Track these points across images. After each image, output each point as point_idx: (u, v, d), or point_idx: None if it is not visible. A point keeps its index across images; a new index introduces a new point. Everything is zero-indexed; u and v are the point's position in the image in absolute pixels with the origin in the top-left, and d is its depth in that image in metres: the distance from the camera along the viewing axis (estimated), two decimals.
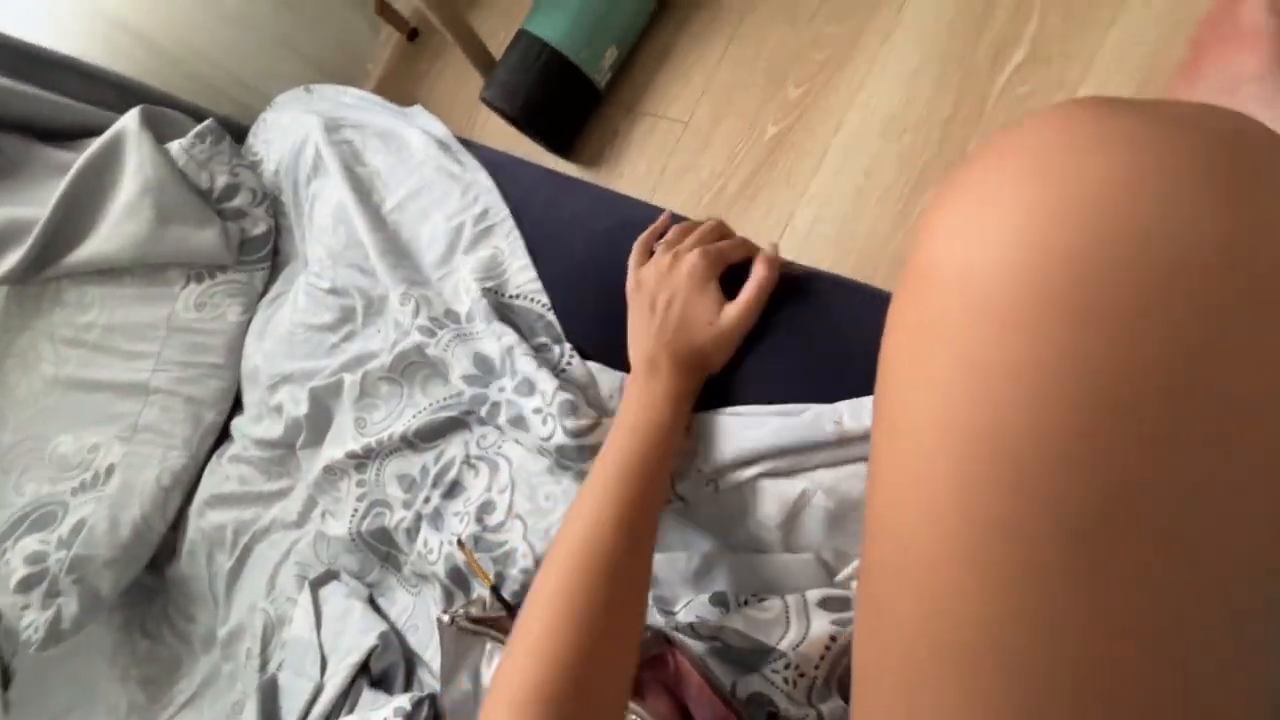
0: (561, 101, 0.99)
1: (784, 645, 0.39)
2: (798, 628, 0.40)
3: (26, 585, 0.79)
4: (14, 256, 0.89)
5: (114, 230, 0.88)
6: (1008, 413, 0.17)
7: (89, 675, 0.94)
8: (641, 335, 0.48)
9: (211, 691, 0.80)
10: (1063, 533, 0.16)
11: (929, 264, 0.19)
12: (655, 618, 0.50)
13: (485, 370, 0.64)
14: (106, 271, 0.92)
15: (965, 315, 0.18)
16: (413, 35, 1.51)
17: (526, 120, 0.98)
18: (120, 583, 0.83)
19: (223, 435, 0.92)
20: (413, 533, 0.65)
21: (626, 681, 0.36)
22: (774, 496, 0.46)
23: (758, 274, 0.47)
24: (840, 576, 0.44)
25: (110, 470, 0.86)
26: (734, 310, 0.46)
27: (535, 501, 0.58)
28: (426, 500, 0.66)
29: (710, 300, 0.46)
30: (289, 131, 0.98)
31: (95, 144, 0.91)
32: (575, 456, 0.55)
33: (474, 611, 0.53)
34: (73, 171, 0.89)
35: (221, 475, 0.86)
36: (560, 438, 0.54)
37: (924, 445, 0.19)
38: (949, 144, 0.79)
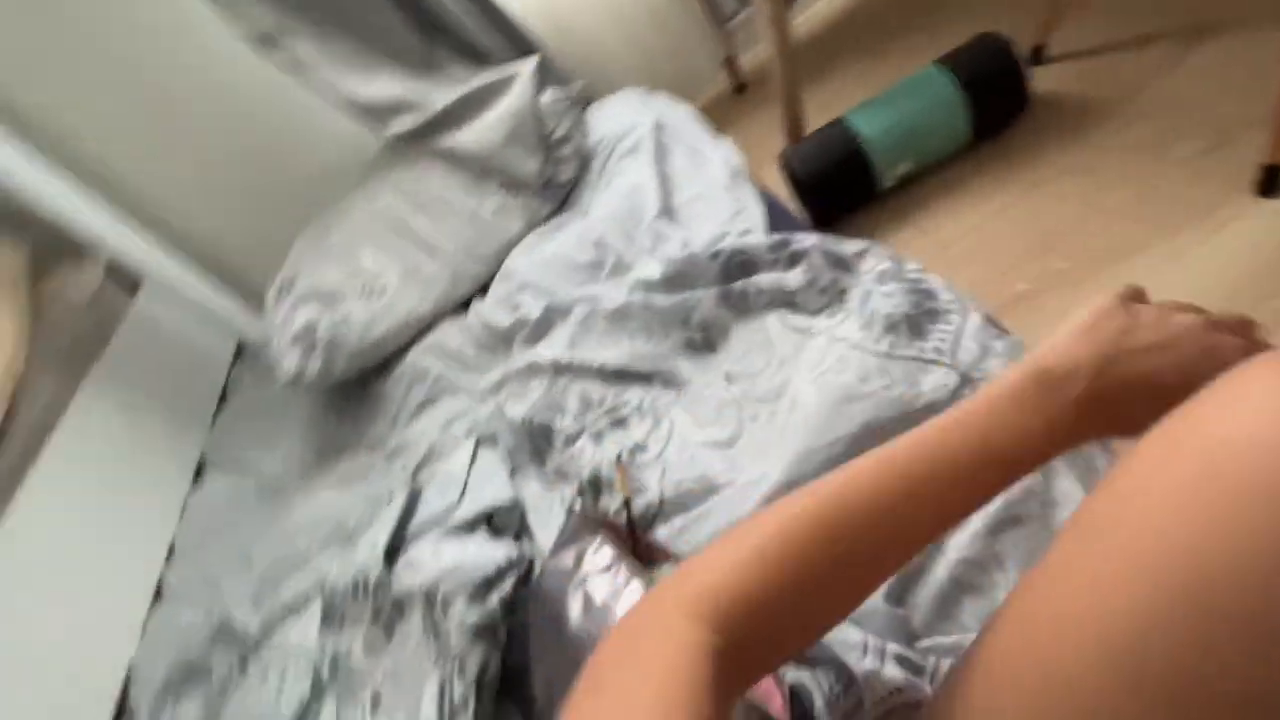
0: (844, 186, 1.11)
1: (855, 668, 0.44)
2: (873, 661, 0.45)
3: (296, 339, 1.05)
4: (409, 121, 1.19)
5: (479, 133, 1.15)
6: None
7: (280, 428, 1.20)
8: (1096, 337, 0.35)
9: (362, 482, 0.99)
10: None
11: (1236, 432, 0.23)
12: None
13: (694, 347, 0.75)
14: (453, 159, 1.19)
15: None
16: (740, 89, 1.74)
17: (808, 188, 1.10)
18: (349, 370, 1.06)
19: (463, 308, 1.13)
20: (571, 440, 0.78)
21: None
22: None
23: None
24: (922, 644, 0.47)
25: (384, 289, 1.10)
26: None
27: (681, 459, 0.68)
28: (595, 421, 0.78)
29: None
30: (621, 117, 1.20)
31: (499, 70, 1.19)
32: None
33: (600, 512, 0.63)
34: (478, 81, 1.17)
35: (449, 333, 1.07)
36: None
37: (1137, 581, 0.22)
38: None
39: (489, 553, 0.67)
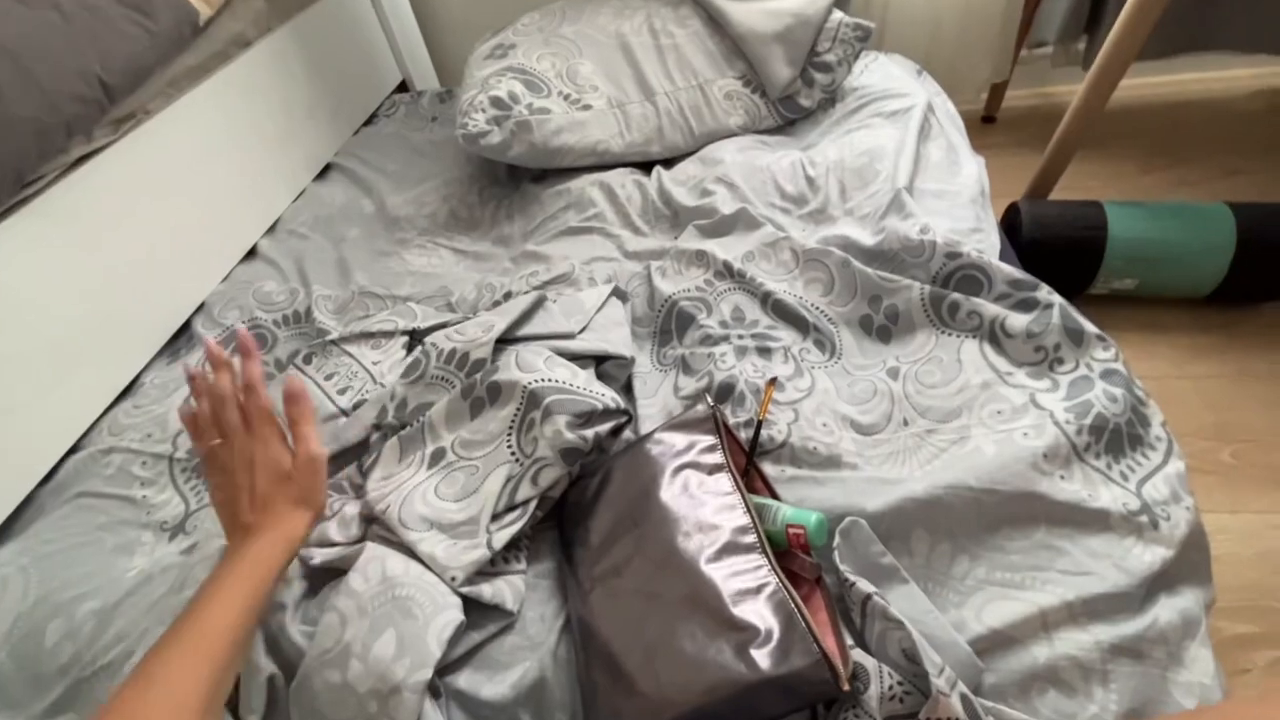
0: (1062, 266, 1.04)
1: (934, 679, 0.43)
2: (944, 686, 0.44)
3: (494, 103, 1.02)
4: None
5: (756, 14, 1.07)
6: None
7: (419, 173, 1.19)
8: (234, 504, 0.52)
9: (479, 265, 0.98)
10: None
11: None
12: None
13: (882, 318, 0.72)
14: (719, 23, 1.12)
15: None
16: (990, 119, 1.62)
17: (1027, 246, 1.04)
18: (521, 158, 1.03)
19: (642, 169, 1.09)
20: (711, 340, 0.76)
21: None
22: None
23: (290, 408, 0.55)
24: (984, 703, 0.46)
25: (588, 106, 1.06)
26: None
27: (815, 417, 0.66)
28: (741, 336, 0.76)
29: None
30: (891, 79, 1.12)
31: None
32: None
33: (724, 418, 0.62)
34: None
35: (625, 182, 1.03)
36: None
37: None
38: None
39: (599, 388, 0.66)
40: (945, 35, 1.44)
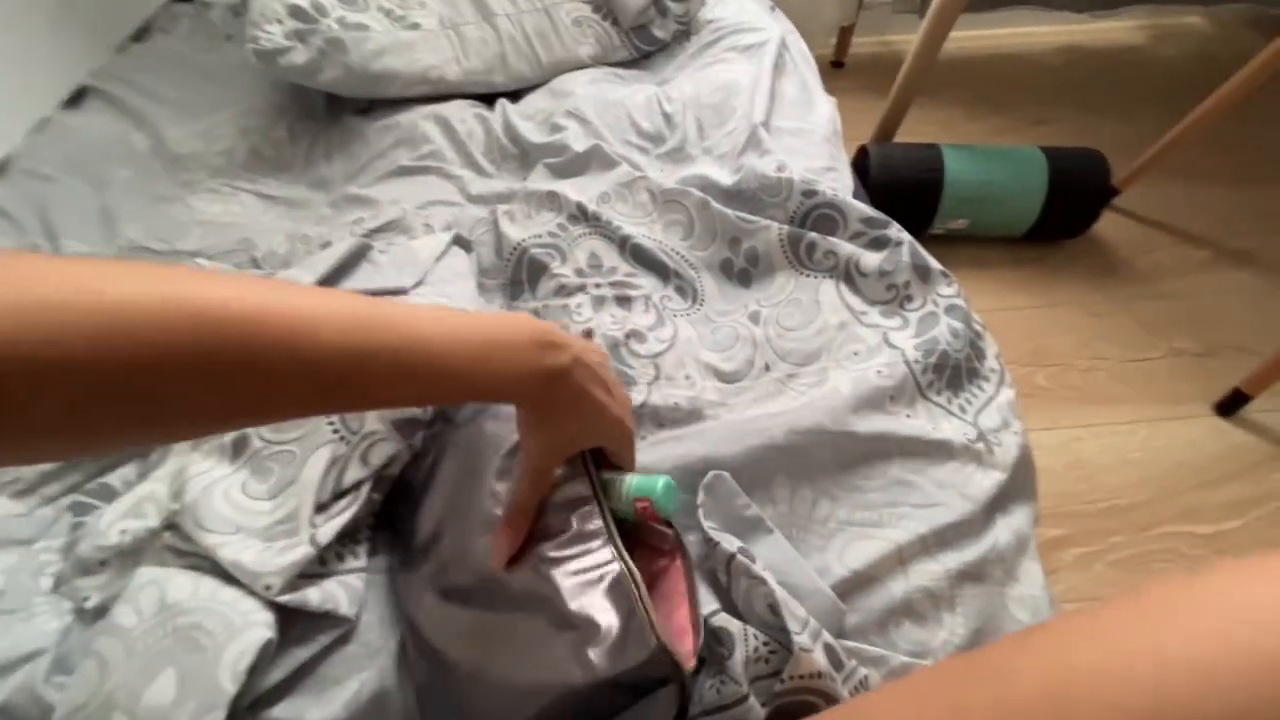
0: (906, 206, 1.09)
1: (796, 636, 0.42)
2: (807, 640, 0.42)
3: (294, 13, 0.84)
4: None
5: None
6: None
7: (210, 102, 0.97)
8: (587, 345, 0.43)
9: (291, 212, 0.83)
10: None
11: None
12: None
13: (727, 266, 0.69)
14: None
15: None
16: (838, 64, 1.65)
17: (875, 188, 1.07)
18: (334, 84, 0.88)
19: (484, 101, 0.97)
20: (566, 291, 0.69)
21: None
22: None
23: None
24: (846, 644, 0.46)
25: (417, 26, 0.92)
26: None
27: (677, 371, 0.62)
28: (599, 285, 0.70)
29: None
30: (745, 12, 1.08)
31: None
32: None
33: None
34: None
35: (464, 115, 0.91)
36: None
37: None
38: None
39: None
40: None
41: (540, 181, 0.81)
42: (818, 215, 0.71)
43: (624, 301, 0.69)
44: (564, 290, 0.70)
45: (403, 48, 0.90)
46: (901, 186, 1.06)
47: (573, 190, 0.78)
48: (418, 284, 0.68)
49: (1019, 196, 1.08)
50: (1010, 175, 1.08)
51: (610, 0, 1.01)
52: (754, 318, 0.68)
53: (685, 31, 1.07)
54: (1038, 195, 1.06)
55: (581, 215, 0.76)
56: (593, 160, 0.83)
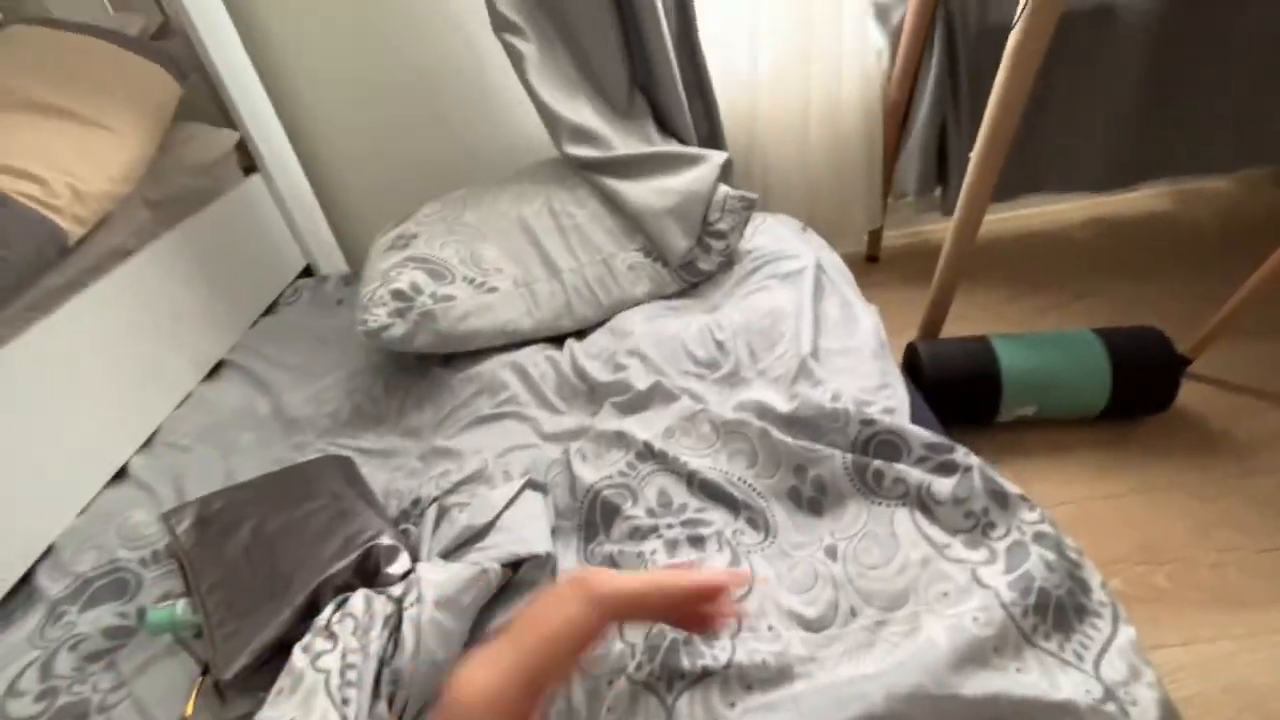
0: (965, 402, 1.09)
1: None
2: None
3: (395, 295, 1.00)
4: (589, 150, 1.20)
5: (648, 192, 1.15)
6: None
7: (321, 367, 1.13)
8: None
9: (385, 464, 0.91)
10: None
11: None
12: None
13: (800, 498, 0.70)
14: (612, 202, 1.18)
15: None
16: (873, 259, 1.77)
17: (931, 388, 1.08)
18: (428, 347, 1.00)
19: (554, 342, 1.08)
20: (641, 534, 0.71)
21: None
22: None
23: None
24: None
25: (494, 289, 1.06)
26: None
27: (759, 611, 0.61)
28: (670, 526, 0.71)
29: None
30: (781, 240, 1.20)
31: (689, 149, 1.21)
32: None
33: None
34: (666, 148, 1.19)
35: (536, 359, 1.01)
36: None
37: None
38: None
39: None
40: (820, 193, 1.60)
41: (608, 420, 0.87)
42: (879, 442, 0.73)
43: (697, 542, 0.70)
44: (638, 533, 0.71)
45: (484, 309, 1.04)
46: (957, 385, 1.07)
47: (639, 428, 0.83)
48: (490, 529, 0.71)
49: (1083, 381, 1.06)
50: (1069, 362, 1.08)
51: (659, 245, 1.15)
52: (831, 553, 0.67)
53: (728, 261, 1.19)
54: (1102, 377, 1.05)
55: (649, 453, 0.80)
56: (655, 396, 0.89)
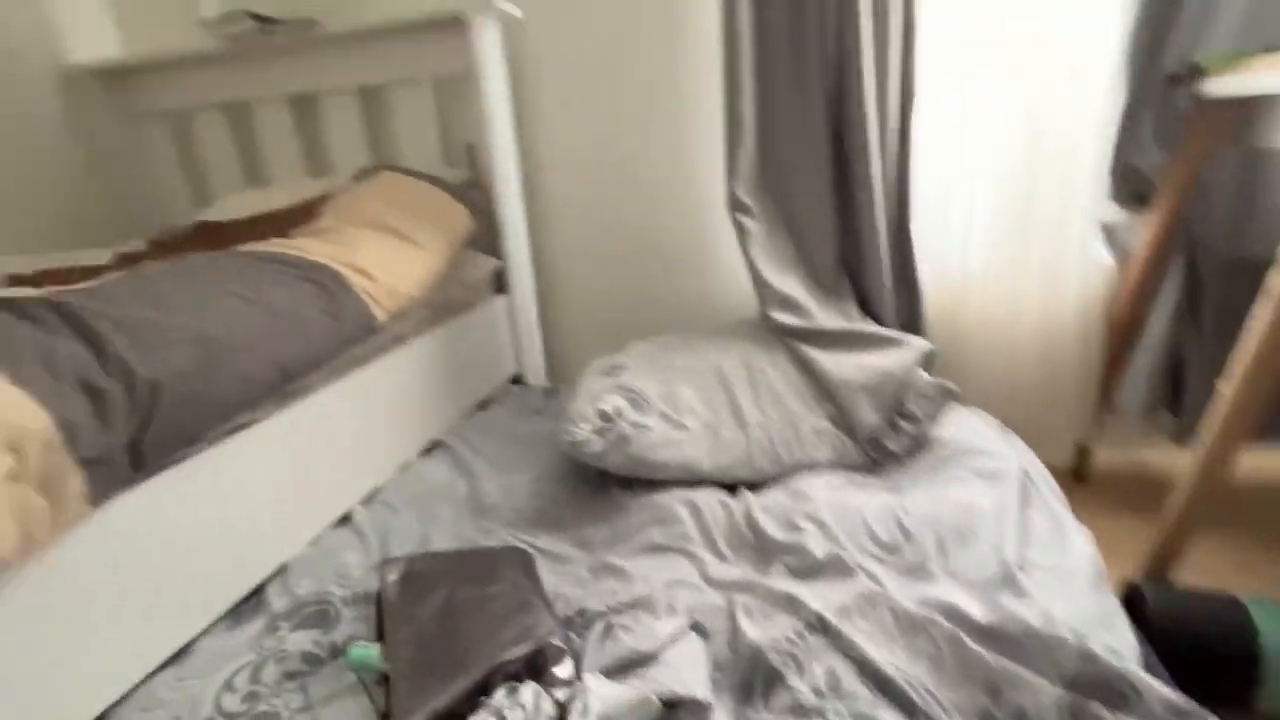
0: (1200, 669, 0.90)
1: None
2: None
3: (600, 415, 1.11)
4: (792, 319, 1.29)
5: (845, 365, 1.19)
6: None
7: (517, 464, 1.25)
8: None
9: (562, 566, 0.96)
10: None
11: None
12: None
13: None
14: (807, 369, 1.24)
15: None
16: (1079, 477, 1.60)
17: (1154, 640, 0.92)
18: (618, 467, 1.08)
19: (728, 489, 1.11)
20: (800, 712, 0.67)
21: None
22: None
23: None
24: None
25: (684, 426, 1.13)
26: None
27: None
28: (839, 714, 0.66)
29: None
30: (979, 436, 1.16)
31: (891, 332, 1.26)
32: None
33: None
34: (867, 328, 1.24)
35: (710, 501, 1.04)
36: None
37: None
38: None
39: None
40: (1024, 397, 1.52)
41: (779, 581, 0.86)
42: (1104, 685, 0.63)
43: None
44: (800, 710, 0.67)
45: (672, 444, 1.10)
46: (1197, 649, 0.90)
47: (812, 597, 0.81)
48: (652, 659, 0.71)
49: None
50: None
51: (847, 417, 1.16)
52: None
53: (917, 446, 1.16)
54: None
55: (820, 626, 0.77)
56: (831, 567, 0.87)
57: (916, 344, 1.23)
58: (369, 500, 1.17)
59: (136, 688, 0.78)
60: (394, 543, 1.03)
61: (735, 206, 1.32)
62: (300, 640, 0.83)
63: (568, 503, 1.12)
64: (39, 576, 0.68)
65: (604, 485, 1.16)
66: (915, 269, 1.41)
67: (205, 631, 0.87)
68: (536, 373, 1.81)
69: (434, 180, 1.47)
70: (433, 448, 1.36)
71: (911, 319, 1.43)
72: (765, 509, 1.02)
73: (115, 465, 0.72)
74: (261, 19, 1.57)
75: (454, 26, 1.44)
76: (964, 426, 1.20)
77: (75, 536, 0.70)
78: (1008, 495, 0.94)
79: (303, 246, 1.12)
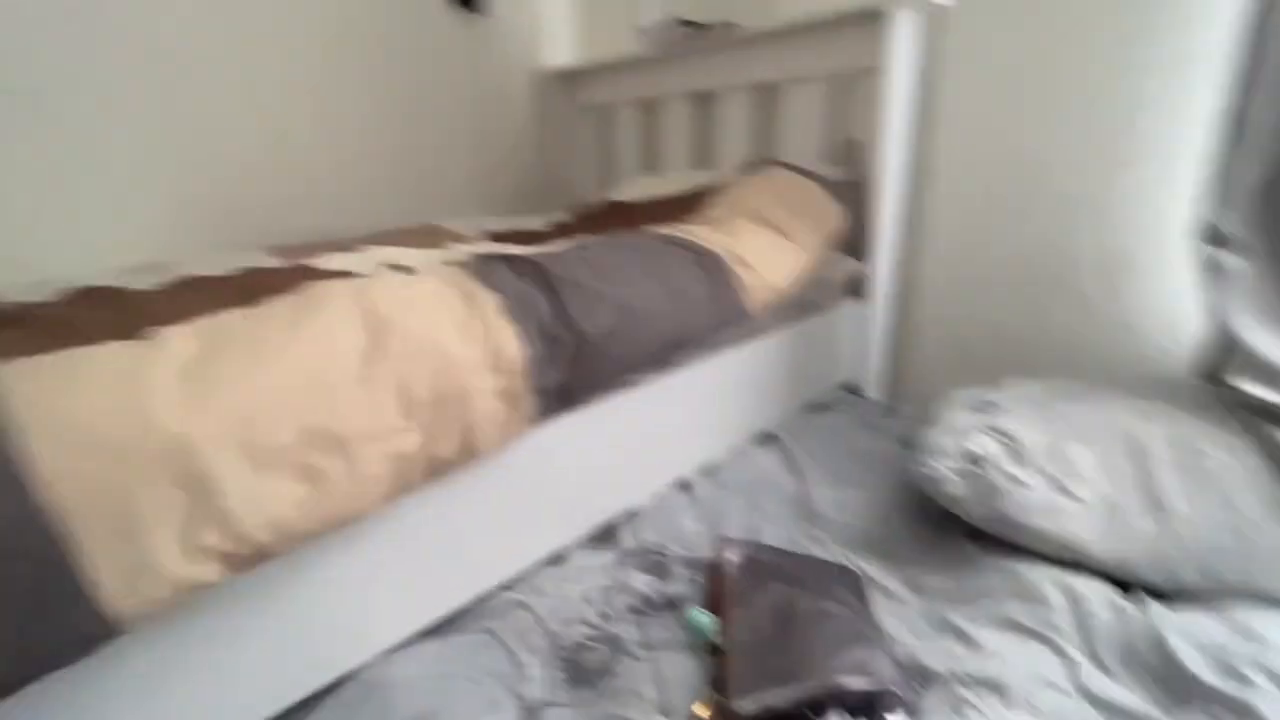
0: None
1: None
2: None
3: (965, 456, 0.99)
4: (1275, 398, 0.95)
5: None
6: None
7: (852, 477, 1.20)
8: None
9: (891, 604, 0.90)
10: None
11: None
12: None
13: None
14: (1268, 451, 0.91)
15: None
16: None
17: None
18: (977, 520, 0.96)
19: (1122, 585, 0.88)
20: None
21: None
22: None
23: None
24: None
25: (1073, 496, 0.94)
26: None
27: None
28: None
29: None
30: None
31: None
32: None
33: None
34: None
35: (1097, 595, 0.85)
36: None
37: None
38: None
39: None
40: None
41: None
42: None
43: None
44: None
45: (1054, 512, 0.92)
46: None
47: None
48: None
49: None
50: None
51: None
52: None
53: None
54: None
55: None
56: None
57: None
58: (705, 473, 1.26)
59: (527, 572, 0.97)
60: (724, 520, 1.09)
61: (1213, 238, 1.02)
62: (642, 581, 0.94)
63: (903, 538, 1.04)
64: (488, 468, 0.89)
65: (949, 530, 1.04)
66: None
67: (575, 546, 1.04)
68: (874, 386, 1.71)
69: (816, 176, 1.47)
70: (764, 439, 1.40)
71: None
72: (1185, 634, 0.79)
73: (553, 397, 0.90)
74: (690, 24, 1.76)
75: (867, 21, 1.40)
76: None
77: (519, 447, 0.91)
78: None
79: (698, 233, 1.23)
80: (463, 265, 0.92)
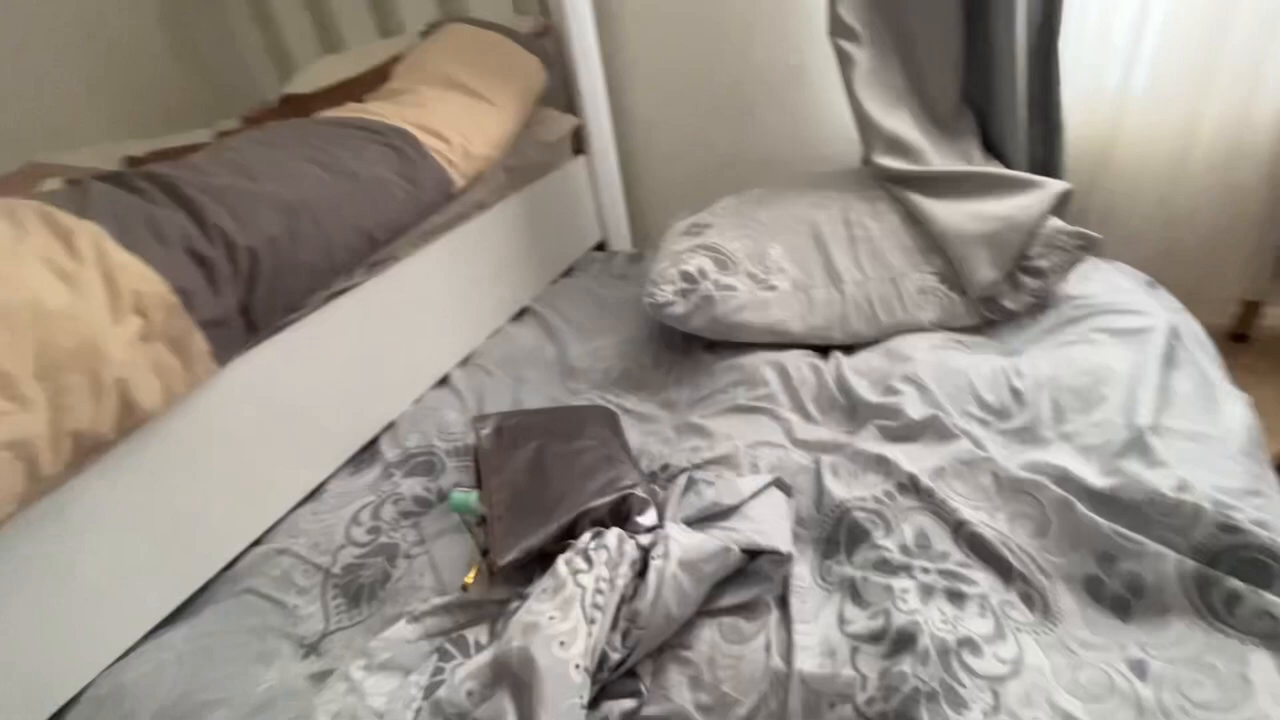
0: None
1: None
2: None
3: (683, 276, 1.06)
4: (898, 163, 1.14)
5: (958, 214, 1.05)
6: None
7: (602, 329, 1.25)
8: None
9: (648, 426, 0.98)
10: None
11: None
12: None
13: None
14: (913, 220, 1.11)
15: None
16: (1240, 338, 1.40)
17: None
18: (700, 329, 1.05)
19: (819, 351, 1.05)
20: (885, 567, 0.66)
21: None
22: None
23: None
24: None
25: (773, 287, 1.07)
26: None
27: (1024, 700, 0.52)
28: (926, 570, 0.65)
29: None
30: (1119, 291, 1.00)
31: (1026, 175, 1.08)
32: None
33: None
34: (990, 168, 1.07)
35: (799, 364, 1.00)
36: None
37: None
38: None
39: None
40: (1183, 245, 1.30)
41: (870, 443, 0.82)
42: (1242, 559, 0.57)
43: (956, 598, 0.62)
44: (886, 566, 0.66)
45: (759, 305, 1.05)
46: None
47: (905, 458, 0.77)
48: (735, 511, 0.72)
49: None
50: None
51: (960, 273, 1.04)
52: (1138, 669, 0.54)
53: (1039, 304, 1.04)
54: None
55: (912, 487, 0.74)
56: (928, 430, 0.81)
57: (1049, 186, 1.05)
58: (465, 363, 1.22)
59: (282, 519, 0.89)
60: (489, 402, 1.08)
61: (838, 30, 1.13)
62: (411, 485, 0.91)
63: (653, 366, 1.12)
64: (184, 426, 0.77)
65: (690, 348, 1.14)
66: (1058, 96, 1.18)
67: (332, 476, 0.97)
68: (621, 237, 1.76)
69: (503, 30, 1.37)
70: (521, 314, 1.39)
71: (1048, 158, 1.22)
72: (858, 370, 0.97)
73: (232, 328, 0.78)
74: None
75: None
76: (1101, 281, 1.04)
77: (211, 390, 0.78)
78: (1148, 356, 0.83)
79: (376, 110, 1.09)
80: (45, 196, 0.72)
